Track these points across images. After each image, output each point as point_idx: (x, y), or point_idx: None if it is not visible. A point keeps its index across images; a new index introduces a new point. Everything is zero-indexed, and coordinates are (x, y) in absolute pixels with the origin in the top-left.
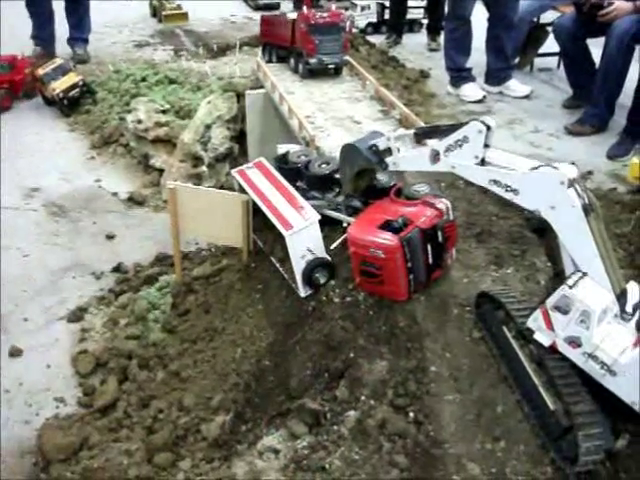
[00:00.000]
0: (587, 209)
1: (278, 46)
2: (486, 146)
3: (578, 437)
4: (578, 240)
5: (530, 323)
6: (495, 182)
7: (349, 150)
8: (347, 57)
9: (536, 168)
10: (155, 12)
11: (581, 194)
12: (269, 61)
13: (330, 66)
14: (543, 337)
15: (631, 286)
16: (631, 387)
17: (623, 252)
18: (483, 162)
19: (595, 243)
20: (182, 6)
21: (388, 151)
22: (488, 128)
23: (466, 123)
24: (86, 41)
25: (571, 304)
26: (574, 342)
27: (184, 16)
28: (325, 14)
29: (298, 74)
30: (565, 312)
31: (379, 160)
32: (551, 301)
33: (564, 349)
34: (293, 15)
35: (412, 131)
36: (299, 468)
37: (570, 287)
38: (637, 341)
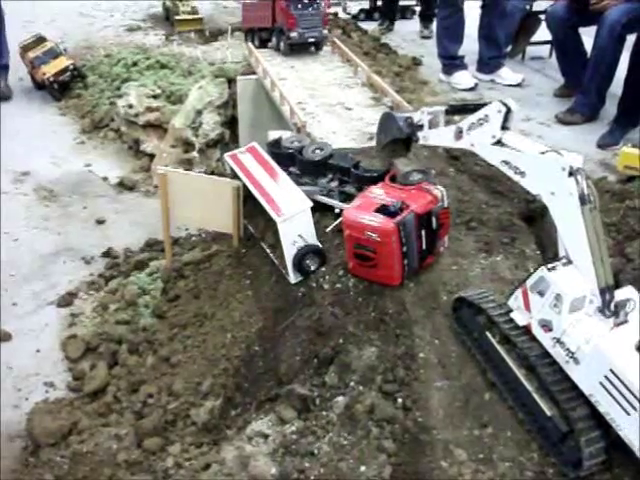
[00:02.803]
0: (584, 199)
1: (260, 29)
2: (506, 128)
3: (580, 442)
4: (571, 228)
5: (510, 302)
6: (506, 163)
7: (387, 119)
8: (326, 31)
9: (544, 153)
10: (168, 15)
11: (580, 184)
12: (253, 44)
13: (310, 40)
14: (520, 317)
15: (628, 289)
16: (591, 378)
17: (612, 241)
18: (500, 143)
19: (587, 234)
20: (197, 9)
21: (422, 125)
22: (508, 110)
23: (490, 102)
24: (6, 68)
25: (547, 286)
26: (546, 326)
27: (198, 21)
28: None
29: (280, 52)
30: (542, 294)
31: (411, 132)
32: (530, 281)
33: (537, 332)
34: None
35: (444, 108)
36: (288, 453)
37: (549, 269)
38: (606, 334)
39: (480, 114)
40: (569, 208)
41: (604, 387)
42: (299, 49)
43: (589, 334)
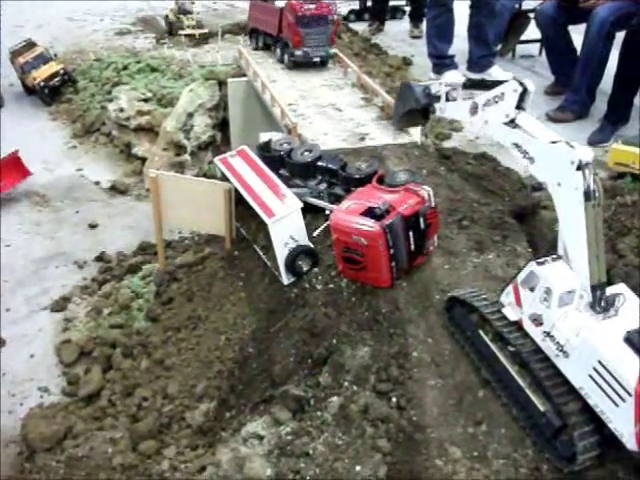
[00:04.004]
0: (589, 195)
1: (265, 33)
2: (521, 109)
3: (574, 437)
4: (571, 222)
5: (502, 298)
6: (517, 146)
7: (405, 89)
8: (334, 50)
9: (555, 142)
10: (171, 29)
11: (587, 179)
12: (255, 47)
13: (316, 59)
14: (511, 312)
15: (620, 287)
16: (580, 371)
17: (604, 237)
18: (514, 123)
19: (586, 229)
20: (202, 22)
21: (439, 97)
22: (525, 90)
23: (507, 81)
24: None
25: (537, 281)
26: (537, 320)
27: (203, 35)
28: (313, 6)
29: (283, 64)
30: (532, 289)
31: (428, 103)
32: (520, 277)
33: (528, 326)
34: (281, 4)
35: (462, 81)
36: (283, 454)
37: (538, 264)
38: (594, 326)
39: (497, 91)
40: (572, 202)
41: (593, 379)
42: (303, 65)
43: (578, 327)
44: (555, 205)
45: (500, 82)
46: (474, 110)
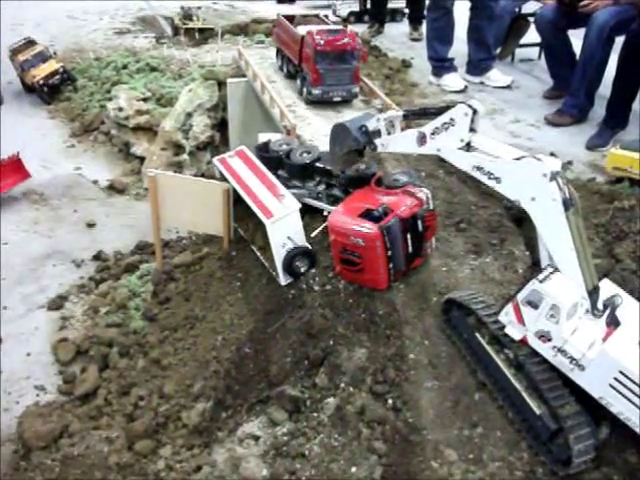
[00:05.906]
0: (567, 203)
1: (289, 59)
2: (472, 130)
3: (569, 440)
4: (555, 233)
5: (501, 317)
6: (478, 168)
7: (339, 130)
8: (357, 89)
9: (520, 158)
10: (177, 32)
11: (562, 188)
12: (280, 68)
13: (336, 99)
14: (514, 331)
15: (604, 283)
16: (599, 382)
17: (601, 241)
18: (468, 146)
19: (572, 238)
20: (207, 22)
21: (378, 132)
22: (475, 112)
23: (453, 106)
24: None
25: (541, 298)
26: (544, 336)
27: (209, 30)
28: (335, 39)
29: (302, 96)
30: (535, 306)
31: (368, 141)
32: (522, 295)
33: (534, 343)
34: (303, 31)
35: (401, 113)
36: (279, 454)
37: (540, 281)
38: (606, 336)
39: (445, 118)
40: (552, 213)
41: (615, 389)
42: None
43: (590, 339)
44: (533, 220)
45: (444, 108)
46: (422, 140)
